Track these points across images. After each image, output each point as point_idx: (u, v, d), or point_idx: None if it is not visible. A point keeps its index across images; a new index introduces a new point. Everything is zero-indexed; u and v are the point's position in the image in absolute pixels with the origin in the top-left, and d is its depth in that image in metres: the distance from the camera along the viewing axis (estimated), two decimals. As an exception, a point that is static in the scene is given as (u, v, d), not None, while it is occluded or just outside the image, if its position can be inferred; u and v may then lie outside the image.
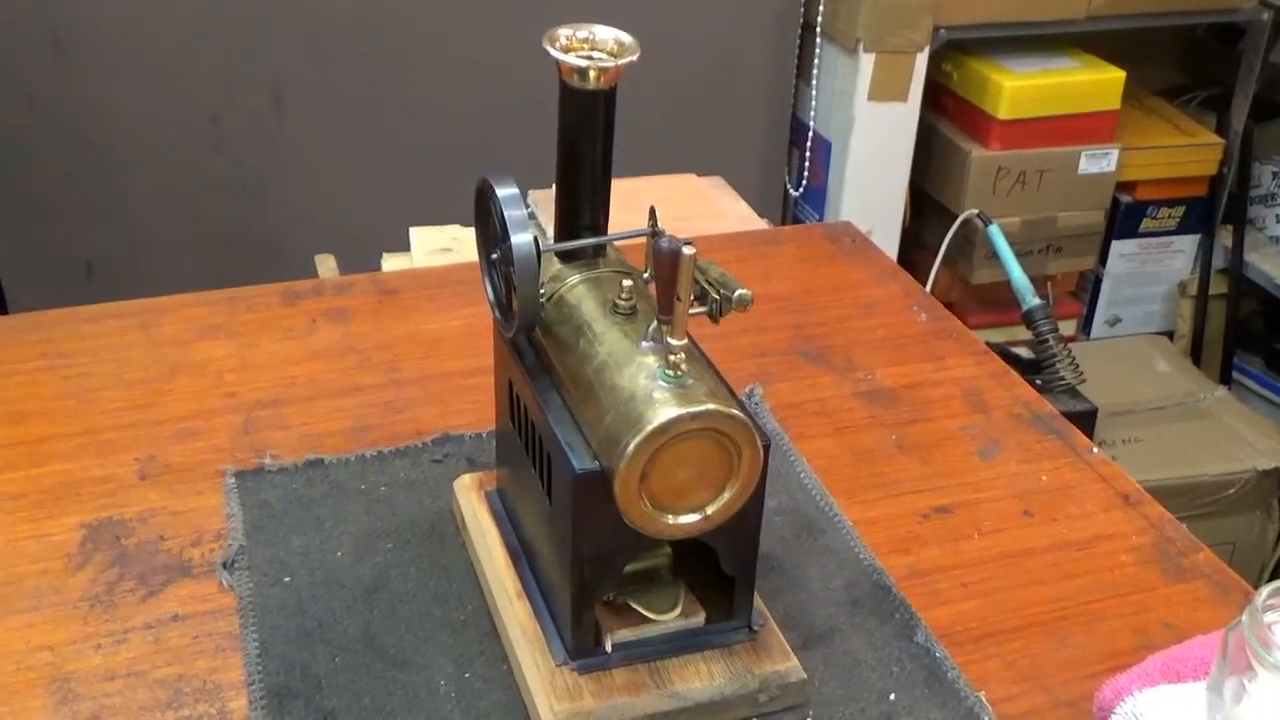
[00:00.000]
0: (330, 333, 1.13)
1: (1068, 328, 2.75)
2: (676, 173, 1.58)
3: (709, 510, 0.71)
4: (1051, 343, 2.26)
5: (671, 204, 1.44)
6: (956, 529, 0.93)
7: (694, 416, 0.67)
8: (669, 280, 0.67)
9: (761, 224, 1.51)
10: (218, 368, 1.07)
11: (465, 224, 1.42)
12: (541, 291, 0.78)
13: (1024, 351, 2.37)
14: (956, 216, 2.48)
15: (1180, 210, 2.75)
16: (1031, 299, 2.25)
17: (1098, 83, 2.49)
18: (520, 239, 0.73)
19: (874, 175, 2.41)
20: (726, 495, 0.71)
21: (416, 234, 1.38)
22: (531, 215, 1.49)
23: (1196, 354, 2.84)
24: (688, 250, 0.66)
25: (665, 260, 0.67)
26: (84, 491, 0.92)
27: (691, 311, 0.70)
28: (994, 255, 2.34)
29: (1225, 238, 2.75)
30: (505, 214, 0.73)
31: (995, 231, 2.32)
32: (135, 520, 0.90)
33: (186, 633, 0.81)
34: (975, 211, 2.43)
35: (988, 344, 1.22)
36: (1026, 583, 0.88)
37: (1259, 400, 2.76)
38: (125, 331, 1.12)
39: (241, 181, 2.14)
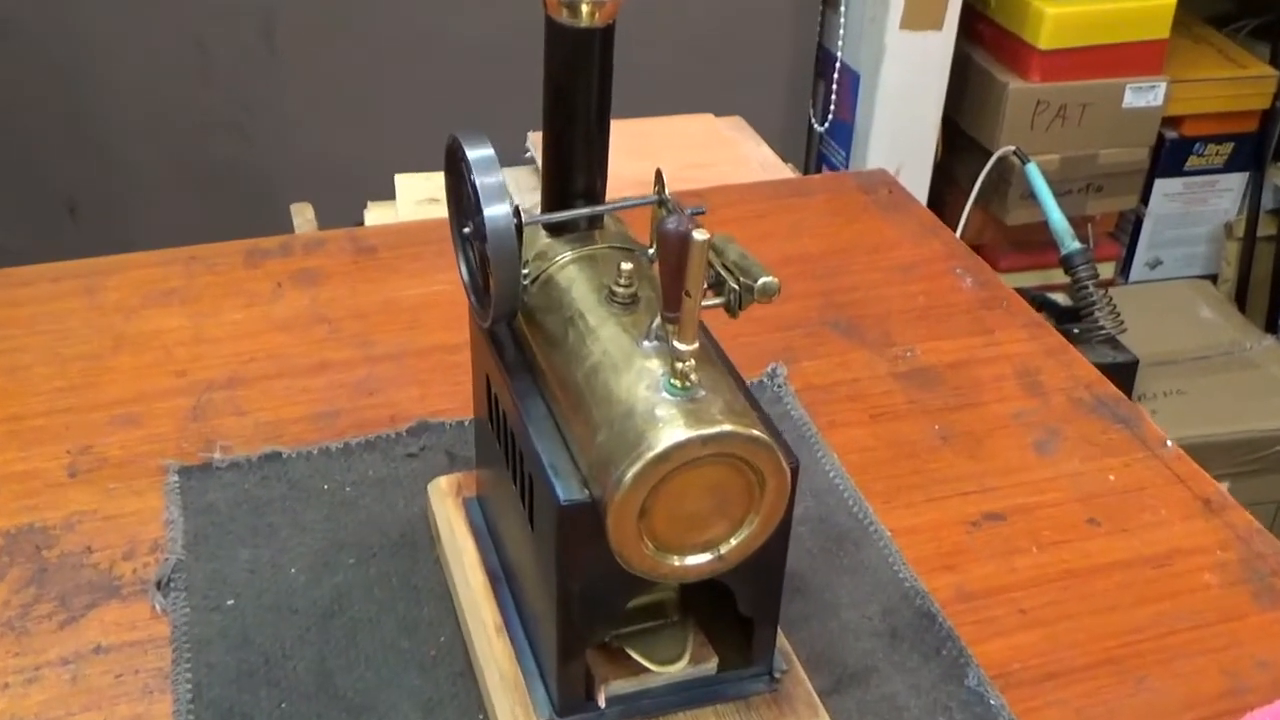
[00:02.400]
0: (297, 299, 1.00)
1: (1105, 270, 2.61)
2: (691, 111, 1.43)
3: (723, 550, 0.58)
4: (1091, 289, 2.13)
5: (686, 149, 1.30)
6: (1011, 540, 0.80)
7: (706, 440, 0.54)
8: (676, 271, 0.54)
9: (786, 171, 1.37)
10: (167, 340, 0.94)
11: (455, 170, 1.28)
12: (525, 272, 0.65)
13: (1061, 298, 2.24)
14: (991, 153, 2.33)
15: (1229, 147, 2.59)
16: (1071, 243, 2.11)
17: (1145, 10, 2.31)
18: (495, 212, 0.59)
19: (905, 109, 2.26)
20: (745, 531, 0.58)
21: (403, 182, 1.24)
22: (529, 160, 1.35)
23: (1242, 299, 2.69)
24: (699, 235, 0.52)
25: (672, 247, 0.53)
26: (2, 491, 0.80)
27: (704, 303, 0.57)
28: (1030, 195, 2.19)
29: (1276, 176, 2.59)
30: (477, 181, 0.60)
31: (1033, 170, 2.17)
32: (59, 527, 0.78)
33: (109, 669, 0.69)
34: (1012, 148, 2.28)
35: (1019, 290, 1.09)
36: (1094, 609, 0.76)
37: (1306, 349, 2.62)
38: (65, 296, 0.99)
39: (231, 117, 1.99)
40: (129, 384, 0.90)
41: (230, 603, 0.73)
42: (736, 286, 0.58)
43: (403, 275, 1.03)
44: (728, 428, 0.54)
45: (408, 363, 0.93)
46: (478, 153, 0.61)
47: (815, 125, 2.37)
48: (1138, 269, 2.71)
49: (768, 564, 0.61)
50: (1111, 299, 2.13)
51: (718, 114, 1.55)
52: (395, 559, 0.76)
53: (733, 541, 0.58)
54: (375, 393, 0.90)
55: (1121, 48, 2.33)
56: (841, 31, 2.26)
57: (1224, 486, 0.86)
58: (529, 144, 1.34)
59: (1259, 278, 2.68)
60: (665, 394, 0.56)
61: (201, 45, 1.95)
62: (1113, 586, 0.77)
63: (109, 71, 1.94)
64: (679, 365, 0.55)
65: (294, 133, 1.98)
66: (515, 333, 0.66)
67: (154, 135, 1.99)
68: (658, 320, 0.58)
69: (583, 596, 0.60)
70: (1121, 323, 2.14)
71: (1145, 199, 2.60)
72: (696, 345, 0.55)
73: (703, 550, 0.58)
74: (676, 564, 0.57)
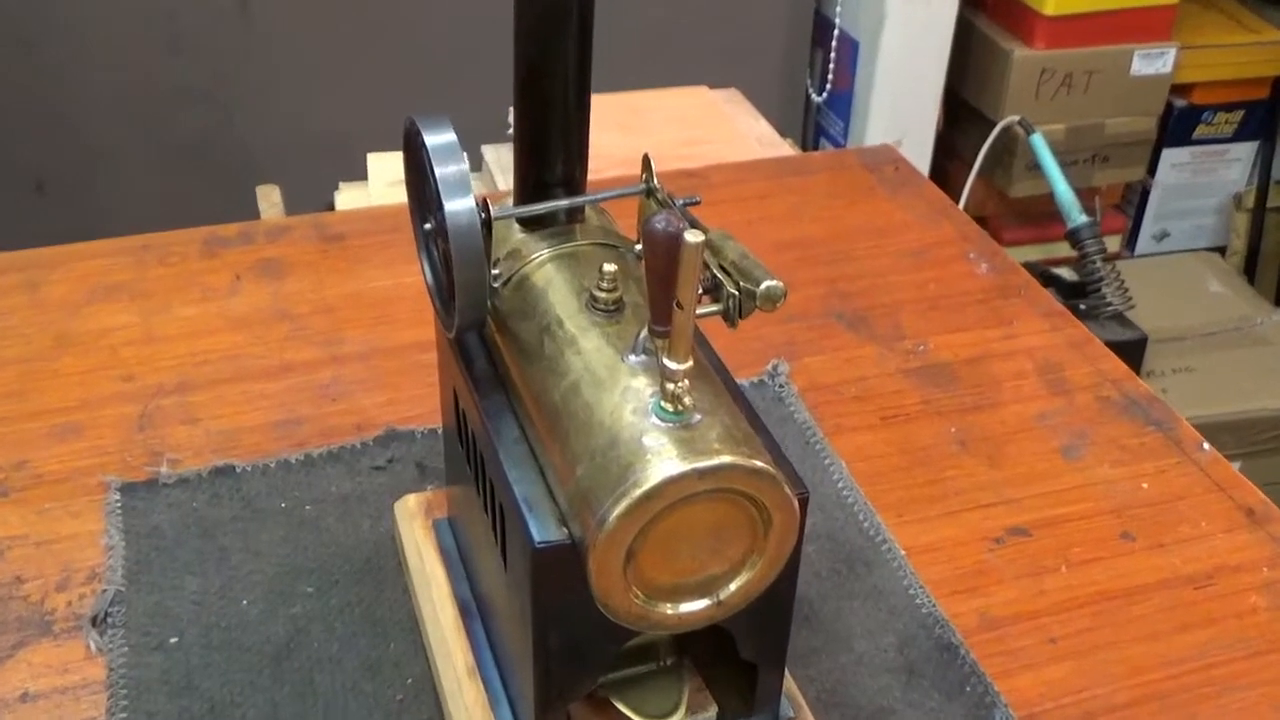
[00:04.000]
0: (257, 292, 0.92)
1: (1111, 244, 2.53)
2: (683, 82, 1.35)
3: (722, 595, 0.51)
4: (1098, 264, 2.06)
5: (680, 124, 1.22)
6: (1038, 559, 0.73)
7: (702, 474, 0.46)
8: (666, 278, 0.46)
9: (785, 147, 1.29)
10: (114, 340, 0.87)
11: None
12: (496, 273, 0.58)
13: (1066, 272, 2.17)
14: (994, 124, 2.25)
15: (1238, 115, 2.51)
16: (1078, 216, 2.04)
17: (1154, -27, 2.23)
18: (457, 206, 0.52)
19: (906, 79, 2.17)
20: (747, 573, 0.50)
21: (376, 161, 1.16)
22: (510, 137, 1.27)
23: (1251, 272, 2.62)
24: (692, 237, 0.45)
25: (660, 250, 0.46)
26: (-75, 514, 0.72)
27: (700, 312, 0.50)
28: (1035, 166, 2.12)
29: (1287, 145, 2.51)
30: (437, 171, 0.52)
31: (1038, 141, 2.09)
32: (-13, 554, 0.70)
33: (36, 719, 0.62)
34: (1016, 118, 2.20)
35: (1025, 264, 1.01)
36: (1132, 636, 0.69)
37: (1318, 323, 2.54)
38: (4, 292, 0.91)
39: (203, 88, 1.90)
40: (70, 389, 0.82)
41: (174, 640, 0.65)
42: (736, 291, 0.50)
43: (372, 265, 0.95)
44: (727, 459, 0.47)
45: (376, 363, 0.85)
46: (437, 138, 0.53)
47: (813, 96, 2.28)
48: (1144, 242, 2.64)
49: (773, 606, 0.53)
50: (1119, 274, 2.06)
51: (709, 85, 1.47)
52: (359, 587, 0.69)
53: (733, 585, 0.50)
54: (340, 398, 0.82)
55: (1129, 13, 2.25)
56: (840, -3, 2.17)
57: (1236, 465, 0.78)
58: (511, 118, 1.25)
59: (1269, 250, 2.61)
60: (655, 419, 0.48)
61: (172, 14, 1.86)
62: (1152, 610, 0.70)
63: (76, 43, 1.85)
64: (670, 386, 0.48)
65: (267, 106, 1.89)
66: (486, 341, 0.59)
67: (124, 109, 1.90)
68: (644, 333, 0.51)
69: (563, 647, 0.52)
70: (1130, 298, 2.07)
71: (1152, 170, 2.52)
72: (690, 363, 0.47)
73: (699, 596, 0.50)
74: (669, 612, 0.50)
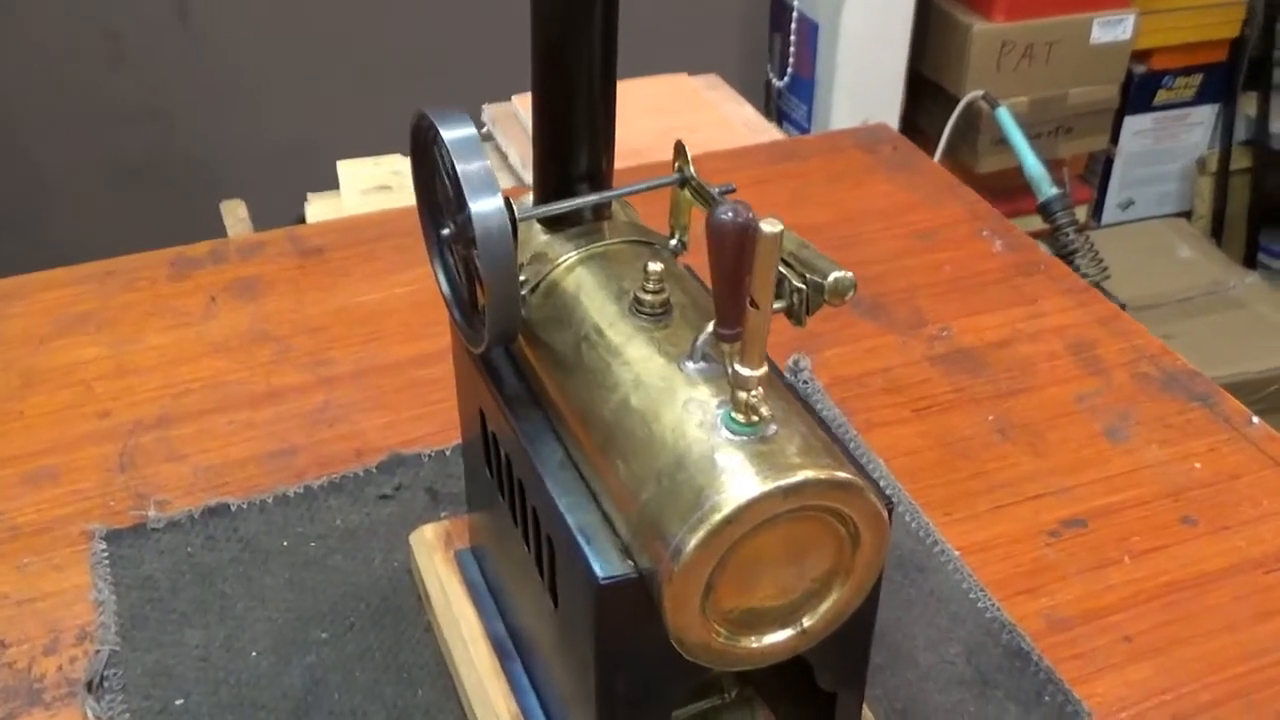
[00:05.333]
0: (235, 314, 0.86)
1: (1078, 215, 2.51)
2: (640, 70, 1.28)
3: (807, 622, 0.45)
4: (1071, 235, 2.03)
5: (663, 113, 1.17)
6: (1099, 550, 0.69)
7: (787, 493, 0.41)
8: (735, 275, 0.41)
9: (774, 131, 1.24)
10: (84, 375, 0.80)
11: (406, 154, 1.14)
12: (522, 279, 0.52)
13: (1040, 246, 2.14)
14: (957, 100, 2.22)
15: (1198, 79, 2.49)
16: (1048, 188, 2.01)
17: (1110, -61, 2.21)
18: (485, 207, 0.46)
19: (868, 59, 2.13)
20: (834, 595, 0.45)
21: (346, 169, 1.10)
22: (487, 137, 1.21)
23: (1217, 235, 2.61)
24: (770, 227, 0.39)
25: (730, 244, 0.40)
26: (-109, 578, 0.66)
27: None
28: (1001, 141, 2.09)
29: (1247, 106, 2.50)
30: (459, 170, 0.46)
31: (1004, 114, 2.06)
32: (-37, 619, 0.64)
33: (34, 802, 0.56)
34: (980, 93, 2.17)
35: None
36: (1209, 629, 0.64)
37: (1287, 283, 2.54)
38: (-40, 330, 0.84)
39: (146, 104, 1.83)
40: (41, 431, 0.76)
41: (179, 702, 0.59)
42: (803, 285, 0.45)
43: (356, 279, 0.89)
44: (811, 474, 0.42)
45: (371, 383, 0.80)
46: (456, 133, 0.47)
47: (774, 80, 2.24)
48: (1110, 211, 2.62)
49: (855, 629, 0.48)
50: (1093, 245, 2.04)
51: (668, 73, 1.41)
52: (377, 630, 0.63)
53: (820, 610, 0.45)
54: (336, 422, 0.76)
55: (1087, -20, 2.22)
56: (798, -21, 2.13)
57: None
58: (485, 117, 1.20)
59: (1234, 212, 2.60)
60: (726, 433, 0.43)
61: (111, 30, 1.78)
62: (1226, 599, 0.66)
63: (12, 63, 1.77)
64: (742, 395, 0.42)
65: (221, 119, 1.81)
66: (513, 355, 0.53)
67: (68, 130, 1.82)
68: (704, 336, 0.45)
69: (628, 689, 0.47)
70: (1105, 269, 2.04)
71: (1115, 138, 2.50)
72: (765, 369, 0.42)
73: (781, 625, 0.45)
74: (754, 646, 0.45)
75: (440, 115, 0.48)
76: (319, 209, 1.10)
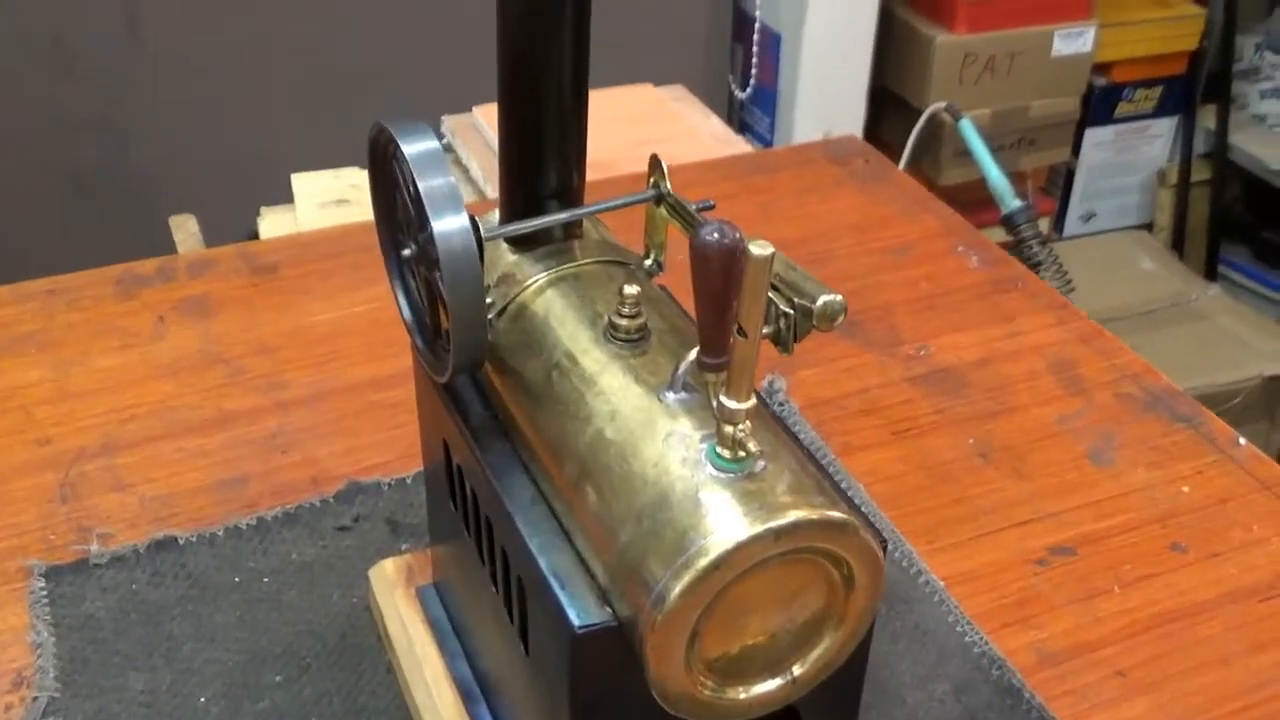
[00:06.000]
0: (184, 335, 0.82)
1: (1041, 227, 2.51)
2: (602, 81, 1.25)
3: (797, 670, 0.42)
4: (1036, 248, 2.02)
5: (629, 124, 1.14)
6: (1088, 579, 0.66)
7: (779, 535, 0.38)
8: (722, 300, 0.38)
9: (742, 143, 1.22)
10: (24, 399, 0.76)
11: (365, 166, 1.10)
12: (489, 302, 0.49)
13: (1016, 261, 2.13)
14: (920, 112, 2.20)
15: (1158, 91, 2.49)
16: (1011, 200, 2.00)
17: (1071, -49, 2.21)
18: (449, 225, 0.43)
19: (831, 71, 2.12)
20: (826, 642, 0.42)
21: (301, 183, 1.06)
22: (448, 149, 1.18)
23: (1178, 248, 2.61)
24: (760, 250, 0.37)
25: (716, 268, 0.37)
26: None
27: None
28: (964, 153, 2.08)
29: (1206, 119, 2.50)
30: (421, 186, 0.43)
31: (967, 126, 2.05)
32: (-110, 664, 0.60)
33: None
34: (943, 105, 2.16)
35: None
36: (1204, 661, 0.62)
37: (1247, 294, 2.54)
38: (-108, 353, 0.80)
39: (94, 116, 1.77)
40: (-23, 460, 0.72)
41: (123, 753, 0.56)
42: (790, 310, 0.43)
43: (312, 297, 0.85)
44: (804, 514, 0.39)
45: (327, 407, 0.76)
46: (417, 146, 0.44)
47: (736, 92, 2.22)
48: (1071, 223, 2.62)
49: (847, 673, 0.46)
50: (1058, 257, 2.03)
51: (631, 84, 1.38)
52: (335, 672, 0.60)
53: (811, 657, 0.42)
54: (290, 449, 0.73)
55: (1048, -8, 2.22)
56: (760, -11, 2.11)
57: None
58: (445, 128, 1.16)
59: (1194, 225, 2.60)
60: (711, 469, 0.40)
61: (58, 39, 1.73)
62: (1219, 630, 0.64)
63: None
64: (729, 429, 0.40)
65: (170, 131, 1.76)
66: (479, 382, 0.50)
67: (12, 142, 1.77)
68: (685, 364, 0.43)
69: (605, 746, 0.44)
70: (1070, 281, 2.03)
71: (1076, 150, 2.50)
72: (753, 401, 0.39)
73: (770, 675, 0.42)
74: (741, 698, 0.42)
75: (400, 127, 0.45)
76: (273, 224, 1.06)
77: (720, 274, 0.38)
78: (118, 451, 0.73)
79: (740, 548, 0.38)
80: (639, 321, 0.45)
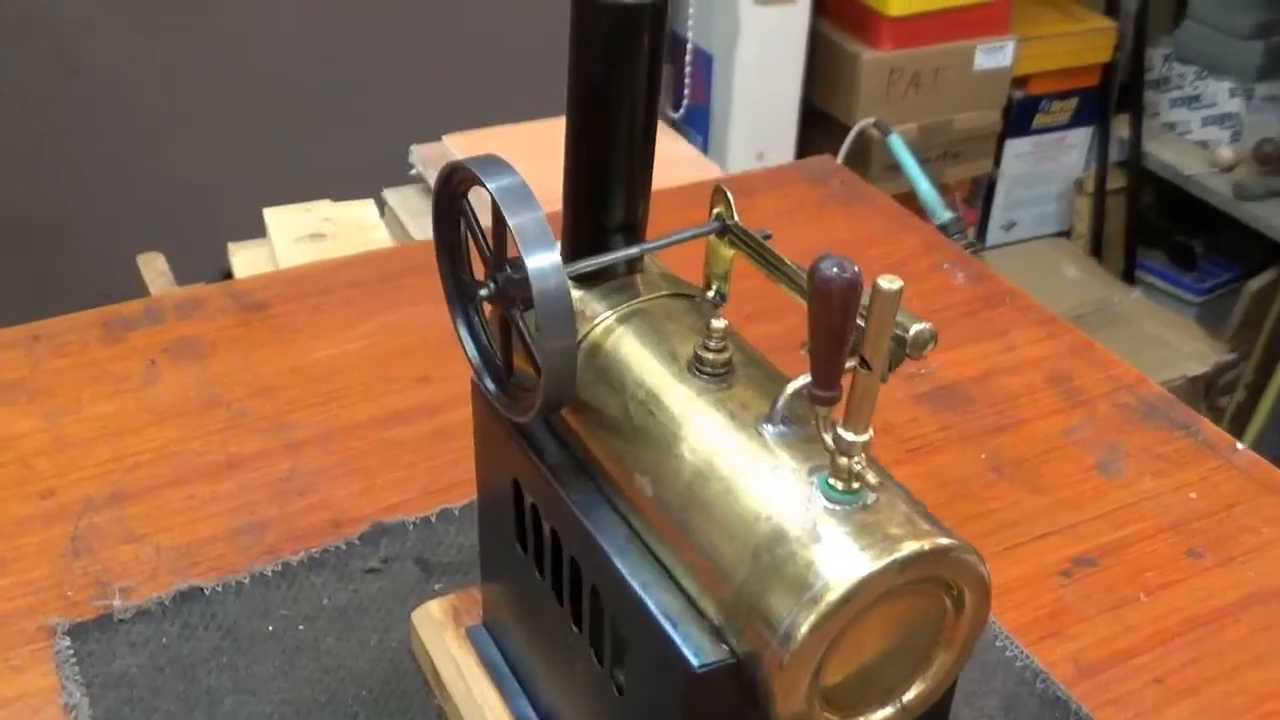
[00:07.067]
0: (179, 378, 0.80)
1: (970, 236, 2.56)
2: (539, 106, 1.24)
3: (906, 697, 0.43)
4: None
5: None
6: (1114, 589, 0.67)
7: (904, 565, 0.39)
8: (840, 335, 0.38)
9: (714, 168, 1.22)
10: (20, 450, 0.74)
11: (338, 199, 1.09)
12: (559, 340, 0.48)
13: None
14: (848, 128, 2.23)
15: (1073, 103, 2.56)
16: (943, 212, 2.03)
17: (988, -31, 2.26)
18: (542, 262, 0.42)
19: (764, 90, 2.14)
20: (934, 666, 0.43)
21: (275, 217, 1.04)
22: (418, 179, 1.17)
23: (1097, 254, 2.68)
24: (889, 285, 0.37)
25: (837, 302, 0.38)
26: None
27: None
28: (892, 167, 2.11)
29: (1120, 128, 2.58)
30: (511, 221, 0.43)
31: (897, 141, 2.08)
32: (-84, 735, 0.57)
33: None
34: (871, 120, 2.19)
35: None
36: (1236, 664, 0.63)
37: (1165, 297, 2.62)
38: (-127, 407, 0.77)
39: (27, 151, 1.70)
40: (-21, 516, 0.69)
41: (177, 815, 0.54)
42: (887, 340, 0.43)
43: (307, 335, 0.84)
44: (924, 544, 0.39)
45: (338, 447, 0.75)
46: (502, 181, 0.44)
47: (669, 112, 2.23)
48: (994, 233, 2.67)
49: (942, 699, 0.46)
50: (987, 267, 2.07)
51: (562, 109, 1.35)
52: (384, 718, 0.59)
53: (918, 683, 0.43)
54: (307, 491, 0.71)
55: (968, 10, 2.27)
56: (691, 10, 2.12)
57: None
58: (414, 159, 1.15)
59: (1112, 231, 2.67)
60: (824, 501, 0.40)
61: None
62: (1246, 632, 0.65)
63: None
64: (844, 461, 0.40)
65: (126, 167, 1.67)
66: (549, 421, 0.50)
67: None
68: (785, 398, 0.43)
69: (713, 783, 0.44)
70: (1004, 291, 2.07)
71: (997, 161, 2.55)
72: (870, 434, 0.40)
73: (881, 703, 0.42)
74: (855, 729, 0.42)
75: (480, 164, 0.45)
76: (247, 260, 1.04)
77: (840, 307, 0.38)
78: (126, 501, 0.70)
79: (867, 581, 0.38)
80: (725, 355, 0.45)
